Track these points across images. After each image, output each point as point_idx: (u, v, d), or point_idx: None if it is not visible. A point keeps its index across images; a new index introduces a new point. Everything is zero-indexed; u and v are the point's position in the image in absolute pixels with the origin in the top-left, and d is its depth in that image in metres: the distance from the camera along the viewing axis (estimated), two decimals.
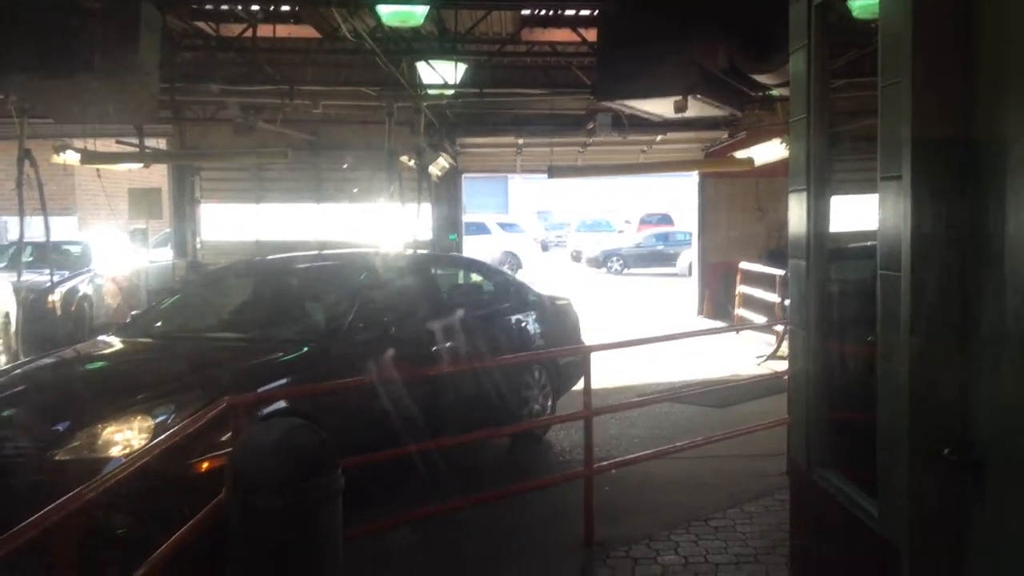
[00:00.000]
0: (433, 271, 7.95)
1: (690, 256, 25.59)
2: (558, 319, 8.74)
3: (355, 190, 14.89)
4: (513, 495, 6.12)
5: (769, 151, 12.62)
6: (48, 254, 10.98)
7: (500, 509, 5.95)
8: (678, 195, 31.82)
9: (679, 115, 7.25)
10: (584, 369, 5.84)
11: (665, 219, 34.33)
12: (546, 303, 8.77)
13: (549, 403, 7.97)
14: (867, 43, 3.13)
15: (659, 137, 15.10)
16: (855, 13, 4.16)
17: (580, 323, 9.12)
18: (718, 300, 16.28)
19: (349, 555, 4.04)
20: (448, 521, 5.71)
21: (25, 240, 10.32)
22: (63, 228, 21.70)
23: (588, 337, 8.92)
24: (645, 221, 34.59)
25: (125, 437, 4.75)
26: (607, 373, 10.05)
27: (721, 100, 7.29)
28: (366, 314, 6.39)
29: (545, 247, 40.47)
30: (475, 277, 8.66)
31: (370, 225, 13.50)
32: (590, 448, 5.71)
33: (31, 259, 13.29)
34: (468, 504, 5.95)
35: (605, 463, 6.32)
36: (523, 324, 8.19)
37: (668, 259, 28.04)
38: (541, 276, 26.82)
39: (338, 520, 3.77)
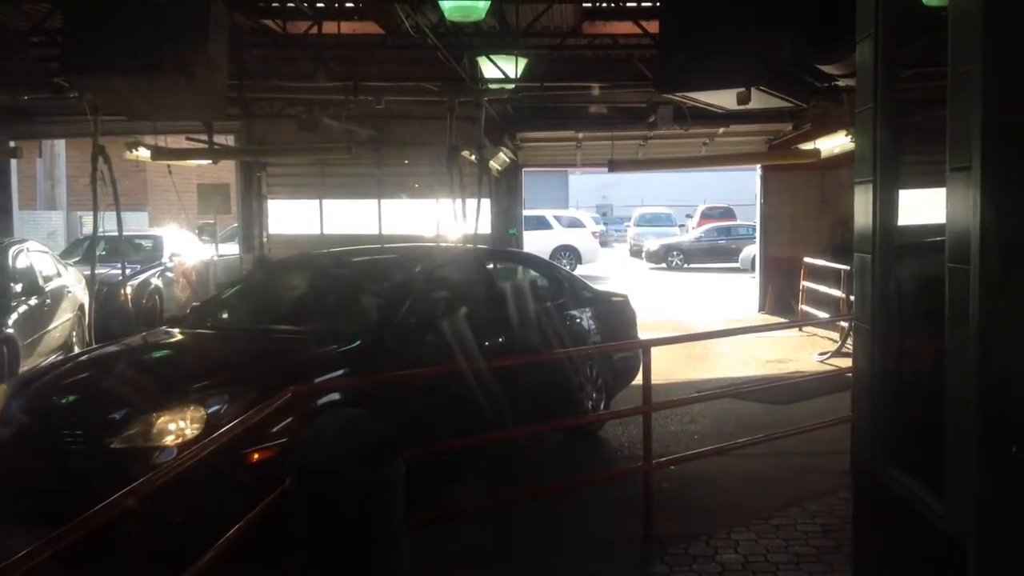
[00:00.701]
0: (488, 266, 7.91)
1: (753, 250, 25.33)
2: (614, 316, 8.61)
3: (416, 185, 15.03)
4: (573, 488, 6.15)
5: (835, 143, 12.38)
6: (121, 248, 11.31)
7: (558, 503, 5.98)
8: (741, 189, 31.38)
9: (742, 107, 7.15)
10: (641, 365, 5.80)
11: (727, 213, 33.85)
12: (602, 299, 8.69)
13: (603, 401, 7.85)
14: (937, 29, 3.05)
15: (721, 130, 14.90)
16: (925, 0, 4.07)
17: (636, 320, 8.97)
18: (781, 296, 16.00)
19: (412, 544, 4.10)
20: (507, 513, 5.75)
21: (99, 234, 10.63)
22: (135, 223, 22.38)
23: (647, 333, 8.86)
24: (706, 215, 34.12)
25: (179, 427, 4.81)
26: (666, 369, 10.00)
27: (785, 91, 7.17)
28: (419, 308, 6.36)
29: (604, 242, 40.35)
30: (530, 272, 8.56)
31: (431, 220, 13.60)
32: (649, 443, 5.68)
33: (104, 253, 13.68)
34: (528, 497, 6.01)
35: (664, 459, 6.29)
36: (577, 320, 8.09)
37: (730, 254, 27.62)
38: (600, 271, 26.86)
39: (400, 508, 3.82)
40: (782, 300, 15.92)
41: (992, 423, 2.51)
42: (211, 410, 4.88)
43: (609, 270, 27.50)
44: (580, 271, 26.40)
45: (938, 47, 2.81)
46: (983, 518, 2.56)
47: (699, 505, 6.14)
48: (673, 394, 8.25)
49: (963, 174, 2.57)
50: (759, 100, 7.17)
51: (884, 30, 3.40)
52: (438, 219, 12.18)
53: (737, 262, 26.48)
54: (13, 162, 16.05)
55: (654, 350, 5.88)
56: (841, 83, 8.35)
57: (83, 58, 6.61)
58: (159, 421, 4.83)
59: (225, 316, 7.12)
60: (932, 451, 2.86)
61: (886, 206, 3.46)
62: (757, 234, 18.09)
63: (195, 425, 4.79)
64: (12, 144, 15.08)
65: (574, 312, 8.10)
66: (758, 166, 17.10)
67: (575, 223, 29.34)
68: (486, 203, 13.17)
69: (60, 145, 23.89)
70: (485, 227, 14.11)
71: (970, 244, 2.52)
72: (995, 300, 2.47)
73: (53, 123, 15.38)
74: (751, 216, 21.65)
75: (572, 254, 27.04)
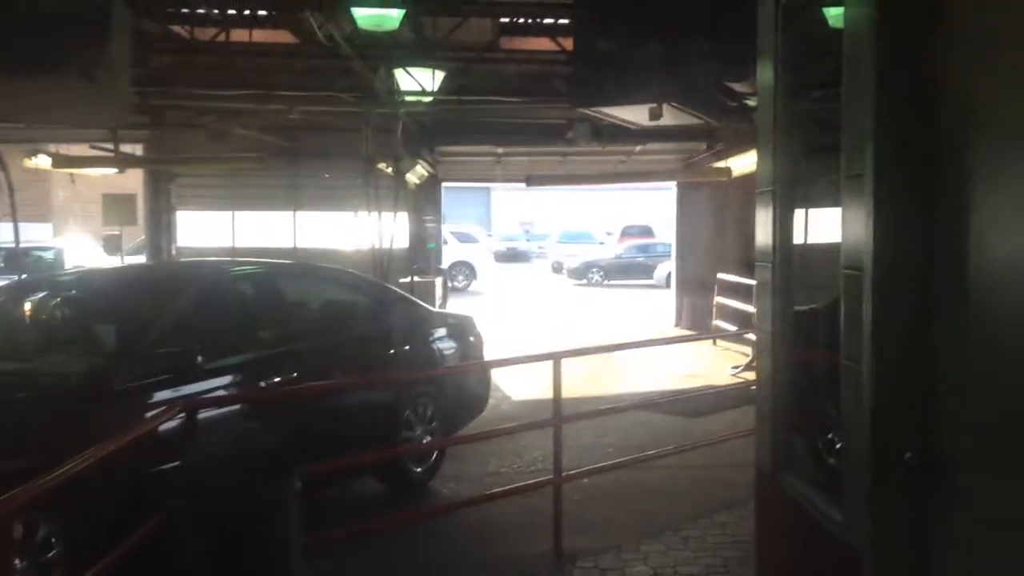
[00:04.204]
0: (279, 285, 6.60)
1: (668, 267, 25.78)
2: (454, 340, 7.56)
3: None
4: (482, 503, 6.05)
5: (747, 162, 12.65)
6: (19, 259, 10.84)
7: (468, 518, 5.89)
8: (658, 207, 31.92)
9: (655, 123, 7.25)
10: (552, 377, 5.73)
11: (646, 231, 34.38)
12: (438, 321, 7.72)
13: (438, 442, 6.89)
14: (836, 53, 3.10)
15: (638, 148, 15.11)
16: (831, 22, 4.13)
17: (482, 344, 7.94)
18: (696, 311, 16.25)
19: (309, 565, 3.96)
20: (411, 532, 5.64)
21: None
22: (38, 235, 21.52)
23: (561, 346, 8.84)
24: (626, 233, 34.62)
25: None
26: (579, 384, 9.99)
27: (697, 108, 7.29)
28: (172, 338, 5.09)
29: (527, 256, 40.53)
30: (338, 291, 7.21)
31: (345, 232, 13.40)
32: (559, 456, 5.65)
33: (1, 265, 13.12)
34: (435, 513, 5.91)
35: (574, 472, 6.25)
36: (397, 351, 6.88)
37: (649, 271, 28.08)
38: (494, 286, 27.04)
39: (296, 526, 3.68)
40: (697, 316, 16.16)
41: (884, 430, 2.52)
42: None
43: (505, 285, 27.62)
44: (475, 286, 26.59)
45: (838, 69, 2.84)
46: (877, 526, 2.57)
47: (610, 518, 6.13)
48: (585, 408, 8.23)
49: (856, 180, 2.59)
50: (672, 116, 7.29)
51: (784, 44, 3.44)
52: (354, 231, 11.98)
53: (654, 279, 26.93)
54: None
55: (566, 365, 5.86)
56: (751, 102, 8.53)
57: None
58: None
59: None
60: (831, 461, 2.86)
61: (785, 219, 3.49)
62: (673, 251, 18.35)
63: None
64: None
65: (393, 339, 6.88)
66: (674, 184, 17.37)
67: (469, 238, 29.43)
68: (403, 216, 13.05)
69: None
70: (403, 241, 14.00)
71: (862, 249, 2.54)
72: (886, 306, 2.49)
73: None
74: (671, 235, 22.01)
75: (468, 269, 27.07)
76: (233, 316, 5.93)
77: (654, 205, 35.76)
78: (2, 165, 9.15)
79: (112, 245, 17.25)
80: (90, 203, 21.18)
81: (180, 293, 5.75)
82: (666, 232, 26.96)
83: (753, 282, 12.32)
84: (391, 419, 6.39)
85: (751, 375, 11.12)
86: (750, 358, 12.07)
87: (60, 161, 13.29)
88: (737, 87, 7.61)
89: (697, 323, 16.08)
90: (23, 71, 6.45)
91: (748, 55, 6.77)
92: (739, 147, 12.80)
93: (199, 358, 4.93)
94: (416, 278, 11.83)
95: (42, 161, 12.95)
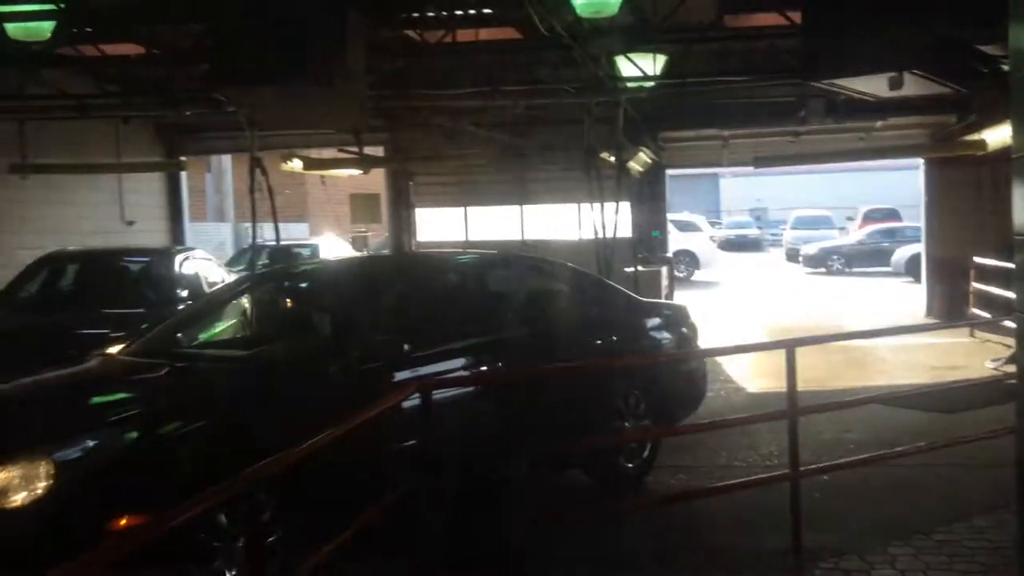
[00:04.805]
0: (486, 275, 6.74)
1: (907, 251, 24.00)
2: (667, 331, 7.32)
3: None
4: (719, 493, 5.89)
5: (1004, 134, 11.44)
6: (280, 256, 11.83)
7: (700, 509, 5.75)
8: (906, 191, 29.73)
9: (896, 94, 6.71)
10: (786, 367, 5.44)
11: (892, 214, 32.09)
12: (648, 311, 7.51)
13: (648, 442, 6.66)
14: None
15: (879, 123, 14.11)
16: None
17: (696, 334, 7.59)
18: (950, 299, 14.94)
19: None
20: (641, 519, 5.58)
21: (259, 243, 11.12)
22: (297, 233, 23.55)
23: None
24: (869, 217, 32.47)
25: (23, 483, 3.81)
26: (819, 376, 9.48)
27: (943, 76, 6.66)
28: (380, 328, 5.31)
29: (759, 244, 39.19)
30: (544, 280, 7.15)
31: (570, 223, 13.52)
32: (795, 449, 5.36)
33: (267, 261, 14.39)
34: (668, 502, 5.82)
35: (813, 466, 5.92)
36: (604, 341, 6.72)
37: None
38: (720, 275, 26.33)
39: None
40: (952, 304, 14.86)
41: None
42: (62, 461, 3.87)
43: (729, 275, 26.78)
44: (698, 275, 25.97)
45: None
46: None
47: (855, 517, 5.75)
48: (826, 402, 7.78)
49: None
50: (915, 86, 6.70)
51: None
52: (579, 223, 12.03)
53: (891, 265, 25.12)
54: (183, 176, 17.14)
55: (805, 356, 5.54)
56: (1007, 66, 7.68)
57: (231, 72, 6.95)
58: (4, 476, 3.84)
59: (197, 339, 6.24)
60: None
61: None
62: (923, 234, 17.01)
63: (43, 482, 3.78)
64: (181, 158, 16.15)
65: (603, 332, 6.74)
66: (922, 162, 16.07)
67: (691, 227, 28.82)
68: (625, 206, 12.98)
69: (227, 160, 25.43)
70: (626, 230, 13.94)
71: None
72: None
73: (218, 138, 16.40)
74: (917, 219, 20.40)
75: (690, 258, 26.51)
76: (438, 307, 6.03)
77: (899, 186, 33.34)
78: (263, 170, 10.02)
79: (360, 242, 18.50)
80: (340, 204, 22.87)
81: (390, 285, 6.03)
82: (912, 215, 25.02)
83: (1014, 266, 11.19)
84: (601, 410, 6.24)
85: (1013, 368, 10.07)
86: (1013, 350, 10.94)
87: (311, 164, 14.41)
88: (989, 50, 6.86)
89: (952, 312, 14.78)
90: (270, 82, 7.02)
91: (1001, 12, 6.12)
92: (994, 117, 11.61)
93: (406, 347, 5.08)
94: (640, 268, 11.71)
95: (296, 165, 14.09)
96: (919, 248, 23.52)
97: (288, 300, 6.77)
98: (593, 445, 5.93)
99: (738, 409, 8.81)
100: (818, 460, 6.61)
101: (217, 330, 6.72)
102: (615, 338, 6.76)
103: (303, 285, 6.89)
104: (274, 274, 8.64)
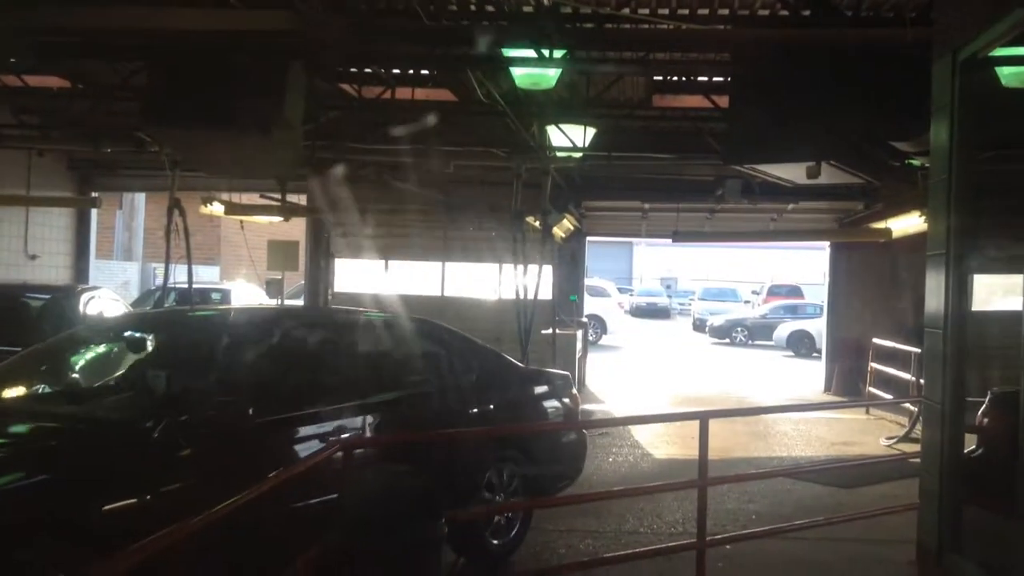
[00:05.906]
0: (356, 335, 6.23)
1: (787, 328, 25.88)
2: (545, 402, 6.98)
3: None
4: (619, 562, 5.96)
5: (907, 223, 12.15)
6: (190, 299, 11.55)
7: None
8: (808, 267, 30.96)
9: (811, 181, 7.07)
10: (699, 438, 5.62)
11: (794, 291, 33.36)
12: (526, 378, 7.18)
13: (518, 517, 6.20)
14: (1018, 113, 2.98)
15: (790, 206, 14.76)
16: (1004, 81, 3.97)
17: (577, 407, 7.35)
18: (848, 377, 15.58)
19: None
20: None
21: (170, 286, 10.88)
22: (208, 276, 23.01)
23: (702, 406, 8.66)
24: (773, 292, 33.68)
25: None
26: (724, 445, 9.74)
27: (857, 167, 7.07)
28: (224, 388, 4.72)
29: (667, 312, 40.11)
30: (416, 342, 6.46)
31: (492, 283, 13.67)
32: (703, 519, 5.50)
33: (175, 304, 14.02)
34: (572, 569, 5.84)
35: (719, 537, 6.08)
36: (480, 410, 6.33)
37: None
38: (627, 340, 26.90)
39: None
40: (849, 382, 15.49)
41: None
42: None
43: (638, 340, 27.30)
44: (605, 340, 26.46)
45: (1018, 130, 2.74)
46: None
47: None
48: (730, 472, 7.99)
49: None
50: (829, 175, 7.07)
51: (961, 101, 3.33)
52: (500, 283, 12.19)
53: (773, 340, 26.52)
54: (93, 212, 16.66)
55: (712, 424, 5.73)
56: (916, 162, 8.22)
57: (163, 112, 6.86)
58: None
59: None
60: (1003, 541, 2.69)
61: (959, 283, 3.35)
62: (824, 313, 17.73)
63: None
64: (94, 195, 15.71)
65: (465, 397, 6.26)
66: (827, 244, 16.84)
67: (601, 292, 29.40)
68: (548, 269, 13.19)
69: (140, 198, 24.83)
70: (547, 293, 14.13)
71: None
72: None
73: (135, 176, 16.02)
74: (819, 295, 21.30)
75: (598, 323, 27.00)
76: (303, 367, 5.53)
77: (803, 264, 34.71)
78: (181, 211, 9.87)
79: (274, 288, 18.21)
80: (256, 248, 22.48)
81: (250, 341, 5.42)
82: (815, 293, 26.12)
83: (912, 349, 11.78)
84: (468, 482, 5.82)
85: (907, 447, 10.55)
86: (906, 428, 11.45)
87: (233, 209, 14.18)
88: (900, 146, 7.35)
89: (849, 389, 15.40)
90: (205, 125, 6.95)
91: (914, 113, 6.58)
92: (900, 207, 12.32)
93: (250, 410, 4.57)
94: (557, 330, 11.90)
95: (217, 208, 13.86)
96: (801, 325, 25.55)
97: (129, 350, 6.07)
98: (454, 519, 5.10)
99: (646, 474, 8.96)
100: (723, 529, 6.79)
101: (45, 381, 5.90)
102: (491, 406, 6.40)
103: (150, 335, 6.04)
104: (116, 322, 8.00)
